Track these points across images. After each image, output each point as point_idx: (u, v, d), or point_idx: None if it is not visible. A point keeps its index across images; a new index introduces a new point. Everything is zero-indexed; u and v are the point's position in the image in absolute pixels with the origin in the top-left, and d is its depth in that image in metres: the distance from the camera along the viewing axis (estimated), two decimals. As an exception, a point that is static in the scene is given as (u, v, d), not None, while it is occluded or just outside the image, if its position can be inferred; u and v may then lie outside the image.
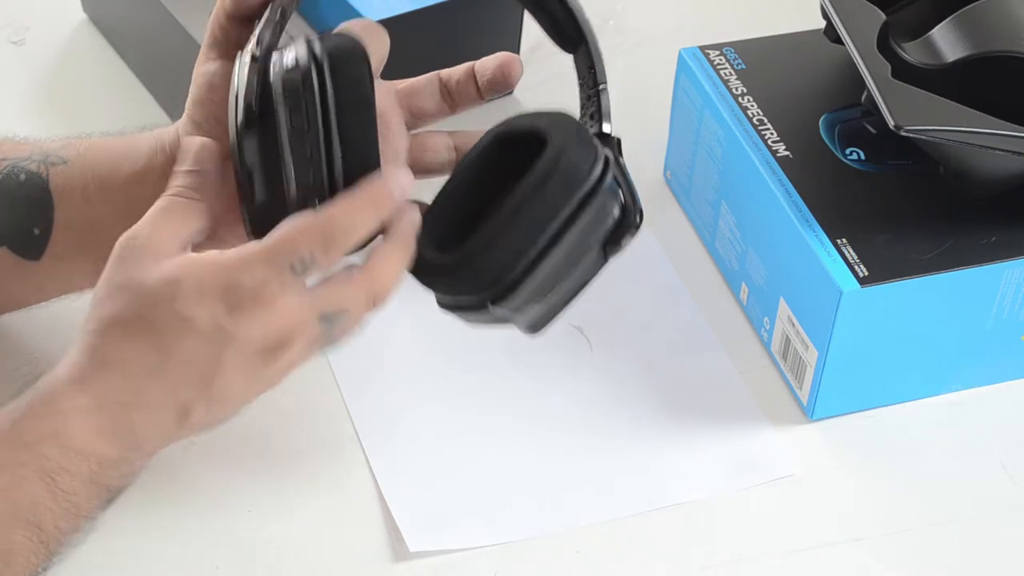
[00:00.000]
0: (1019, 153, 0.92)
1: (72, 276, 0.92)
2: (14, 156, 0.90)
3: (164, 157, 0.88)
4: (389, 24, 1.06)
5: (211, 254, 0.77)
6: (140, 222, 0.79)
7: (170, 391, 0.76)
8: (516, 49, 1.15)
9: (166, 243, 0.77)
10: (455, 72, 0.90)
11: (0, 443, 0.74)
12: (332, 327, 0.78)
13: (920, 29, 0.98)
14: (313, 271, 0.76)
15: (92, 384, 0.75)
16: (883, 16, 0.96)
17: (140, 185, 0.89)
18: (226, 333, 0.75)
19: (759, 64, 1.04)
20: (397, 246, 0.79)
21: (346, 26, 0.86)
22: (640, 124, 1.14)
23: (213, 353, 0.75)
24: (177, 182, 0.80)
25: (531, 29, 1.20)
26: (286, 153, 0.78)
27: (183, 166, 0.80)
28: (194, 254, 0.77)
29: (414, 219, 0.80)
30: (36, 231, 0.89)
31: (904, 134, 0.90)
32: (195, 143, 0.81)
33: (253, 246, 0.76)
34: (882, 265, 0.92)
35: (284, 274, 0.75)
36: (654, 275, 1.04)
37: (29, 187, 0.89)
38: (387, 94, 0.89)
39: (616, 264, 1.04)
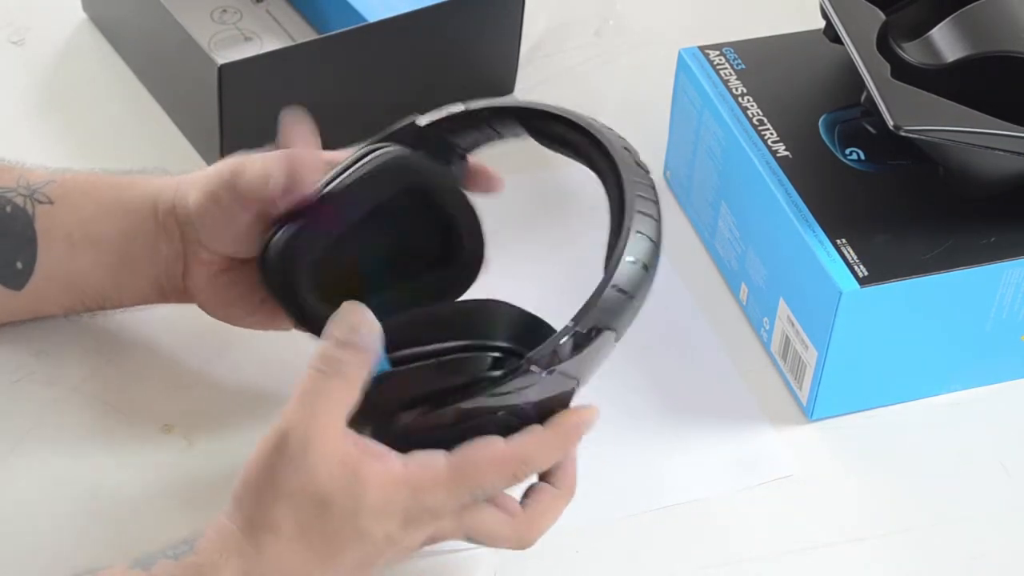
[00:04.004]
0: (1019, 153, 0.92)
1: (49, 309, 0.93)
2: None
3: (155, 223, 0.89)
4: (389, 24, 1.07)
5: (396, 467, 0.76)
6: (297, 408, 0.77)
7: None
8: (516, 49, 1.15)
9: (335, 437, 0.76)
10: None
11: None
12: (471, 542, 0.81)
13: (920, 29, 0.98)
14: (490, 497, 0.79)
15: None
16: (883, 16, 0.96)
17: (129, 243, 0.90)
18: (393, 543, 0.77)
19: (759, 64, 1.04)
20: (563, 498, 0.82)
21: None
22: (640, 124, 1.14)
23: (374, 557, 0.77)
24: (332, 353, 0.77)
25: (531, 29, 1.20)
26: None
27: (340, 331, 0.78)
28: (376, 464, 0.76)
29: (575, 464, 0.82)
30: (19, 265, 0.90)
31: (904, 134, 0.90)
32: (355, 311, 0.79)
33: (442, 464, 0.77)
34: (882, 265, 0.92)
35: (463, 499, 0.77)
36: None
37: (14, 222, 0.90)
38: None
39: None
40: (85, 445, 0.90)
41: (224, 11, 1.17)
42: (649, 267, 0.80)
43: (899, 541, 0.90)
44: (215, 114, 1.03)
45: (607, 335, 0.79)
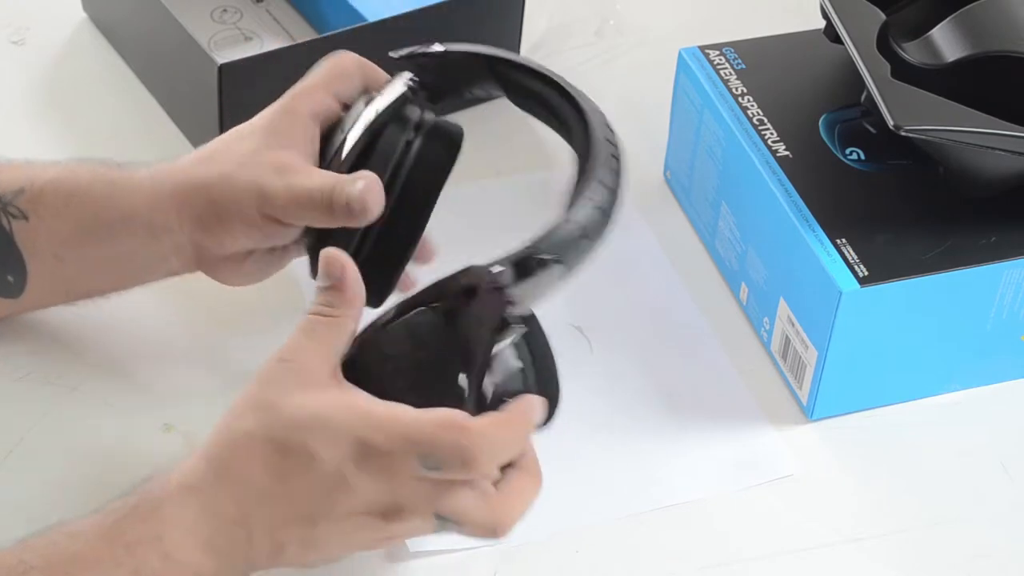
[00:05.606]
0: (1019, 153, 0.92)
1: (51, 305, 0.92)
2: None
3: (149, 243, 0.87)
4: (389, 24, 1.07)
5: (360, 400, 0.75)
6: (288, 345, 0.77)
7: (274, 518, 0.75)
8: (516, 49, 1.15)
9: (315, 369, 0.76)
10: None
11: (99, 539, 0.74)
12: (444, 526, 0.77)
13: (920, 29, 0.98)
14: (441, 474, 0.75)
15: (204, 493, 0.75)
16: (883, 16, 0.96)
17: (125, 260, 0.89)
18: (344, 481, 0.74)
19: (759, 64, 1.04)
20: (534, 481, 0.79)
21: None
22: (640, 124, 1.14)
23: (326, 495, 0.75)
24: (318, 300, 0.78)
25: (531, 29, 1.20)
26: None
27: (321, 282, 0.78)
28: (343, 393, 0.76)
29: (535, 454, 0.80)
30: (10, 278, 0.89)
31: (904, 134, 0.90)
32: (327, 256, 0.79)
33: (404, 415, 0.75)
34: (882, 265, 0.92)
35: (411, 459, 0.74)
36: (654, 275, 1.04)
37: None
38: None
39: (616, 264, 1.04)
40: (85, 445, 0.90)
41: (224, 11, 1.17)
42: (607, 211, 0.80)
43: (899, 541, 0.90)
44: (215, 114, 1.03)
45: (556, 266, 0.78)
